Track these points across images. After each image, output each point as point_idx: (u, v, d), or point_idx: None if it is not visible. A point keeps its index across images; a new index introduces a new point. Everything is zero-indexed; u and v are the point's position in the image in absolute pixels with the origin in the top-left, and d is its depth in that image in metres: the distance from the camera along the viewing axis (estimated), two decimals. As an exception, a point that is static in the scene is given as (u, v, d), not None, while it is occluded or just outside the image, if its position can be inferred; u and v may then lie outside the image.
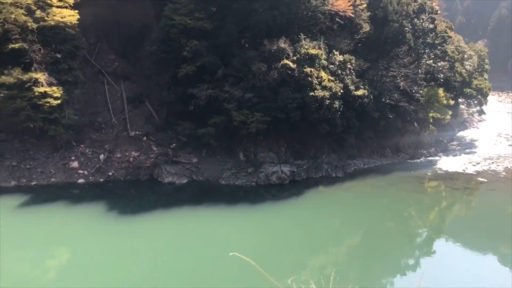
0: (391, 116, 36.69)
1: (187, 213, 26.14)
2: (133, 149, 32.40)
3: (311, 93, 30.62)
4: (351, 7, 36.08)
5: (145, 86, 36.48)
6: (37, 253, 21.12)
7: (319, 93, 30.77)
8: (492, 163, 38.15)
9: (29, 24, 29.29)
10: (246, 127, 30.65)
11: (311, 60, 31.69)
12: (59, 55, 30.98)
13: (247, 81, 31.87)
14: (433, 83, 40.81)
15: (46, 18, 30.06)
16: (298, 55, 31.68)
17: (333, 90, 31.56)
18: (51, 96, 29.11)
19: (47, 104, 28.93)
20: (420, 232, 26.25)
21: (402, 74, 37.73)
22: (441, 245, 24.27)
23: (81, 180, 30.02)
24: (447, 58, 42.23)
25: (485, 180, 33.78)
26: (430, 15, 41.42)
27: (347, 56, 34.16)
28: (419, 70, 39.75)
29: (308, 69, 31.07)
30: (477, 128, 55.04)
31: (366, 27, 37.39)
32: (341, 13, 35.75)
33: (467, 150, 42.86)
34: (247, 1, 33.21)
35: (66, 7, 31.12)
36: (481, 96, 51.80)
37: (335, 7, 35.34)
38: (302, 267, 20.60)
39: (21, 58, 29.31)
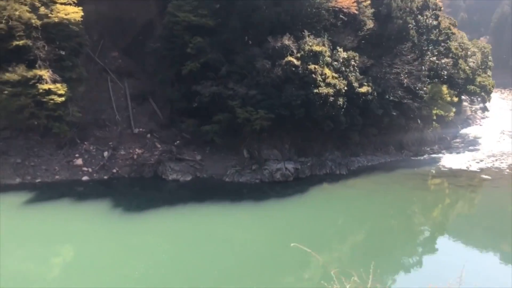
0: (394, 113, 36.66)
1: (191, 210, 26.13)
2: (137, 146, 32.43)
3: (315, 90, 30.57)
4: (355, 4, 35.95)
5: (148, 83, 36.47)
6: (42, 251, 21.09)
7: (323, 90, 30.72)
8: (496, 160, 38.10)
9: (33, 21, 29.23)
10: (250, 124, 30.63)
11: (315, 57, 31.62)
12: (63, 52, 30.96)
13: (251, 78, 31.84)
14: (436, 80, 40.76)
15: (50, 15, 30.00)
16: (302, 52, 31.60)
17: (337, 87, 31.51)
18: (55, 93, 29.09)
19: (51, 101, 28.90)
20: (425, 229, 26.23)
21: (406, 71, 37.65)
22: (446, 242, 24.22)
23: (85, 178, 30.06)
24: (450, 55, 42.13)
25: (489, 177, 33.73)
26: (434, 12, 41.28)
27: (351, 53, 34.09)
28: (423, 67, 39.65)
29: (312, 66, 31.00)
30: (480, 125, 54.97)
31: (370, 24, 37.26)
32: (345, 10, 35.63)
33: (470, 147, 42.83)
34: (251, -2, 33.18)
35: (70, 4, 31.08)
36: (485, 93, 51.71)
37: (339, 4, 35.22)
38: (310, 265, 20.61)
39: (25, 55, 29.31)
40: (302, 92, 30.64)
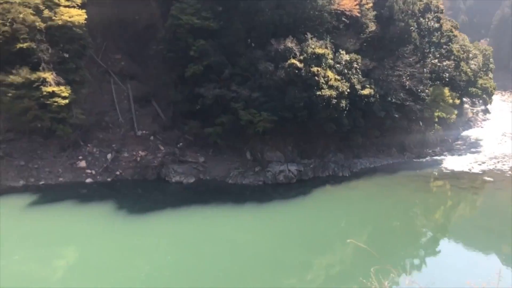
0: (396, 115, 36.73)
1: (195, 212, 26.21)
2: (140, 149, 32.51)
3: (318, 93, 30.66)
4: (357, 7, 36.08)
5: (151, 86, 36.55)
6: (45, 252, 21.21)
7: (326, 92, 30.81)
8: (498, 162, 38.14)
9: (37, 23, 29.46)
10: (253, 126, 30.73)
11: (318, 59, 31.71)
12: (66, 55, 31.15)
13: (254, 81, 31.96)
14: (438, 82, 40.82)
15: (54, 17, 30.21)
16: (305, 55, 31.71)
17: (340, 90, 31.60)
18: (59, 96, 29.27)
19: (55, 103, 29.09)
20: (428, 231, 26.23)
21: (408, 73, 37.74)
22: (448, 244, 24.27)
23: (88, 180, 30.14)
24: (452, 57, 42.22)
25: (491, 179, 33.78)
26: (435, 14, 41.40)
27: (353, 56, 34.19)
28: (425, 69, 39.76)
29: (315, 69, 31.10)
30: (482, 127, 54.98)
31: (372, 27, 37.40)
32: (347, 13, 35.76)
33: (472, 149, 42.84)
34: (254, 1, 33.31)
35: (73, 7, 31.21)
36: (486, 95, 51.79)
37: (341, 7, 35.35)
38: (313, 266, 20.69)
39: (29, 57, 29.54)
40: (305, 95, 30.73)
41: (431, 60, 41.03)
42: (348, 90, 32.40)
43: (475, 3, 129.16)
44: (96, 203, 26.97)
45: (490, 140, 46.83)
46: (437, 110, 40.15)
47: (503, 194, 31.38)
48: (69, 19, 30.46)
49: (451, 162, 38.12)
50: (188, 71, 32.83)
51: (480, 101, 54.28)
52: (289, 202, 28.39)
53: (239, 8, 33.76)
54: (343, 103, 31.83)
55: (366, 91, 33.68)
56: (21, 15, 29.00)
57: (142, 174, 31.14)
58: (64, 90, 29.59)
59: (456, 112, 43.37)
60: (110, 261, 20.30)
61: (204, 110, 32.52)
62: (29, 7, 29.58)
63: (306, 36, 32.75)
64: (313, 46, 32.11)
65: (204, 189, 30.14)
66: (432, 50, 41.04)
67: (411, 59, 38.29)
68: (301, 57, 31.75)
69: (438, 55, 41.56)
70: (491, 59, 57.15)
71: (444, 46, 41.70)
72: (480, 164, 37.39)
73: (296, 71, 31.09)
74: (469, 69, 46.21)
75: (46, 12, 30.14)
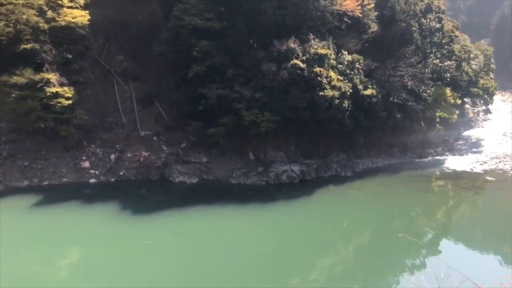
0: (398, 116, 36.88)
1: (198, 212, 26.24)
2: (144, 149, 32.59)
3: (320, 93, 30.75)
4: (359, 7, 36.21)
5: (154, 86, 36.68)
6: (49, 253, 21.20)
7: (329, 92, 30.91)
8: (500, 162, 38.28)
9: (40, 24, 29.51)
10: (256, 126, 30.80)
11: (320, 60, 31.80)
12: (69, 56, 31.24)
13: (257, 81, 32.05)
14: (440, 82, 40.92)
15: (57, 18, 30.28)
16: (308, 55, 31.80)
17: (342, 90, 31.69)
18: (62, 96, 29.34)
19: (59, 104, 29.15)
20: (430, 231, 26.26)
21: (410, 73, 37.88)
22: (451, 244, 24.25)
23: (92, 180, 30.21)
24: (454, 58, 42.31)
25: (493, 179, 33.90)
26: (437, 15, 41.49)
27: (355, 56, 34.28)
28: (426, 70, 39.89)
29: (317, 69, 31.18)
30: (482, 127, 55.14)
31: (374, 27, 37.53)
32: (349, 13, 35.87)
33: (473, 149, 42.99)
34: (256, 1, 33.37)
35: (77, 8, 31.29)
36: (487, 95, 51.93)
37: (343, 7, 35.46)
38: (316, 266, 20.77)
39: (32, 58, 29.58)
40: (307, 95, 30.82)
41: (433, 60, 41.13)
42: (351, 91, 32.47)
43: (475, 4, 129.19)
44: (100, 203, 26.99)
45: (491, 140, 46.98)
46: (439, 110, 40.27)
47: (505, 194, 31.45)
48: (73, 20, 30.54)
49: (453, 162, 38.25)
50: (191, 71, 32.89)
51: (481, 101, 54.43)
52: (292, 202, 28.45)
53: (241, 8, 33.85)
54: (346, 103, 31.91)
55: (368, 92, 33.77)
56: (24, 16, 29.07)
57: (146, 174, 31.21)
58: (68, 91, 29.65)
59: (457, 112, 43.52)
60: (115, 261, 20.31)
61: (207, 110, 32.61)
62: (33, 8, 29.63)
63: (308, 36, 32.84)
64: (315, 47, 32.20)
65: (208, 189, 30.21)
66: (433, 50, 41.13)
67: (412, 60, 38.41)
68: (304, 58, 31.84)
69: (440, 56, 41.65)
70: (492, 59, 57.30)
71: (446, 47, 41.77)
72: (481, 164, 37.53)
73: (299, 72, 31.17)
74: (470, 69, 46.33)
75: (50, 13, 30.19)
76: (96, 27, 34.73)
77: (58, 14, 30.47)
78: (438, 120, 40.77)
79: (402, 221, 27.08)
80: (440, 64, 41.15)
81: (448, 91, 40.69)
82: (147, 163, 31.66)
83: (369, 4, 37.73)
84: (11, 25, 28.83)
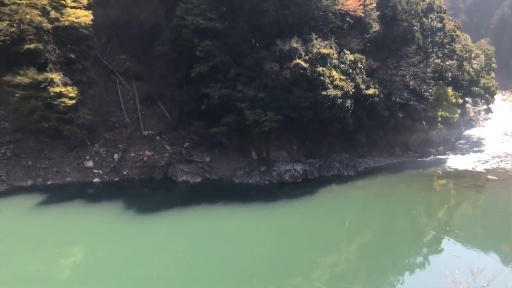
0: (400, 115, 37.03)
1: (202, 211, 26.37)
2: (147, 149, 32.69)
3: (323, 92, 30.84)
4: (361, 7, 36.34)
5: (157, 86, 36.76)
6: (53, 252, 21.28)
7: (331, 92, 31.00)
8: (501, 161, 38.38)
9: (44, 24, 29.57)
10: (259, 126, 30.87)
11: (323, 59, 31.88)
12: (73, 55, 31.30)
13: (259, 81, 32.13)
14: (441, 82, 41.05)
15: (60, 18, 30.34)
16: (310, 55, 31.88)
17: (345, 89, 31.79)
18: (66, 96, 29.42)
19: (63, 104, 29.23)
20: (431, 230, 26.36)
21: (411, 73, 38.04)
22: (452, 243, 24.18)
23: (96, 180, 30.31)
24: (455, 57, 42.44)
25: (495, 178, 34.00)
26: (438, 14, 41.59)
27: (357, 56, 34.38)
28: (428, 69, 40.04)
29: (320, 69, 31.27)
30: (483, 126, 55.21)
31: (376, 27, 37.64)
32: (351, 13, 35.98)
33: (475, 149, 43.08)
34: (258, 1, 33.47)
35: (80, 8, 31.34)
36: (489, 94, 52.05)
37: (346, 7, 35.58)
38: (319, 265, 20.86)
39: (36, 58, 29.66)
40: (310, 94, 30.91)
41: (434, 59, 41.29)
42: (353, 90, 32.57)
43: (474, 3, 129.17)
44: (104, 202, 27.13)
45: (492, 139, 47.07)
46: (440, 110, 40.37)
47: (507, 193, 31.55)
48: (76, 20, 30.60)
49: (455, 161, 38.36)
50: (194, 71, 33.00)
51: (483, 101, 54.55)
52: (295, 201, 28.54)
53: (244, 8, 33.95)
54: (348, 103, 32.01)
55: (370, 91, 33.89)
56: (28, 16, 29.13)
57: (149, 173, 31.32)
58: (71, 91, 29.73)
59: (459, 111, 43.62)
60: (118, 261, 20.35)
61: (209, 110, 32.69)
62: (36, 8, 29.70)
63: (311, 36, 32.93)
64: (318, 46, 32.29)
65: (211, 188, 30.30)
66: (435, 50, 41.28)
67: (414, 59, 38.60)
68: (306, 57, 31.92)
69: (441, 55, 41.80)
70: (493, 59, 57.44)
71: (447, 46, 41.89)
72: (483, 163, 37.63)
73: (302, 71, 31.27)
74: (471, 69, 46.44)
75: (53, 13, 30.25)
76: (99, 27, 34.76)
77: (62, 14, 30.53)
78: (439, 119, 40.87)
79: (405, 220, 27.17)
80: (441, 64, 41.31)
81: (449, 90, 40.81)
82: (151, 162, 31.76)
83: (371, 3, 37.86)
84: (15, 25, 28.90)
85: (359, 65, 34.20)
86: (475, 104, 56.28)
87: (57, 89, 29.09)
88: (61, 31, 30.59)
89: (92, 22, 31.65)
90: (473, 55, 48.76)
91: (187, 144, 33.67)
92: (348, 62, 33.60)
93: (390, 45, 38.24)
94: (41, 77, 28.93)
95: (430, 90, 39.45)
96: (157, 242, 22.45)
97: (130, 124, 34.22)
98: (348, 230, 25.87)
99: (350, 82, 32.81)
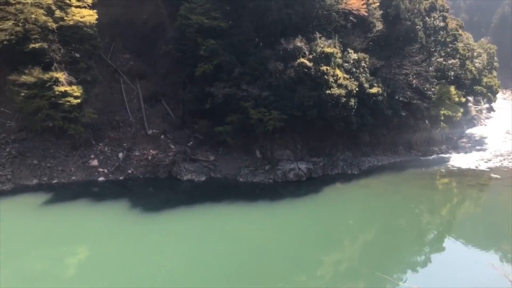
0: (403, 114, 37.11)
1: (207, 210, 26.41)
2: (151, 147, 32.76)
3: (327, 91, 30.95)
4: (364, 6, 36.45)
5: (161, 85, 36.82)
6: (59, 251, 21.31)
7: (335, 91, 31.10)
8: (504, 159, 38.51)
9: (49, 24, 29.62)
10: (263, 125, 30.99)
11: (327, 58, 32.00)
12: (77, 55, 31.34)
13: (263, 80, 32.22)
14: (444, 80, 41.18)
15: (65, 18, 30.38)
16: (314, 54, 31.99)
17: (349, 88, 31.90)
18: (71, 95, 29.45)
19: (67, 103, 29.29)
20: (435, 229, 26.47)
21: (414, 71, 38.12)
22: (455, 242, 24.18)
23: (101, 178, 30.38)
24: (458, 56, 42.58)
25: (499, 176, 34.11)
26: (441, 13, 41.76)
27: (361, 55, 34.50)
28: (431, 68, 40.14)
29: (324, 68, 31.39)
30: (485, 125, 55.42)
31: (379, 26, 37.77)
32: (354, 12, 36.11)
33: (477, 147, 43.23)
34: (262, 0, 33.57)
35: (84, 7, 31.40)
36: (491, 93, 52.17)
37: (349, 6, 35.70)
38: (323, 263, 20.95)
39: (41, 57, 29.67)
40: (314, 93, 31.02)
41: (437, 58, 41.43)
42: (357, 89, 32.68)
43: (475, 2, 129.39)
44: (109, 201, 27.16)
45: (495, 138, 47.23)
46: (443, 108, 40.52)
47: (510, 191, 31.66)
48: (81, 20, 30.65)
49: (457, 160, 38.49)
50: (198, 70, 33.09)
51: (485, 100, 54.67)
52: (299, 200, 28.67)
53: (248, 7, 34.04)
54: (352, 101, 32.11)
55: (374, 90, 33.99)
56: (33, 16, 29.18)
57: (154, 172, 31.38)
58: (76, 90, 29.76)
59: (462, 110, 43.75)
60: (123, 259, 20.38)
61: (213, 109, 32.78)
62: (41, 8, 29.73)
63: (315, 35, 33.03)
64: (322, 45, 32.39)
65: (215, 187, 30.37)
66: (438, 48, 41.44)
67: (417, 58, 38.66)
68: (310, 56, 32.04)
69: (444, 54, 41.94)
70: (495, 58, 57.59)
71: (450, 45, 42.06)
72: (486, 162, 37.76)
73: (306, 70, 31.38)
74: (474, 68, 46.60)
75: (58, 13, 30.28)
76: (103, 26, 34.81)
77: (66, 13, 30.56)
78: (442, 118, 41.00)
79: (408, 219, 27.26)
80: (444, 63, 41.43)
81: (452, 89, 40.97)
82: (155, 161, 31.83)
83: (374, 3, 37.97)
84: (20, 24, 28.94)
85: (363, 64, 34.32)
86: (477, 103, 56.38)
87: (62, 88, 29.13)
88: (66, 30, 30.63)
89: (96, 22, 31.67)
90: (475, 54, 48.94)
91: (191, 143, 33.75)
92: (351, 61, 33.72)
93: (393, 44, 38.38)
94: (46, 76, 28.96)
95: (433, 89, 39.57)
96: (162, 240, 22.50)
97: (135, 123, 34.29)
98: (352, 228, 25.94)
99: (354, 81, 32.92)
